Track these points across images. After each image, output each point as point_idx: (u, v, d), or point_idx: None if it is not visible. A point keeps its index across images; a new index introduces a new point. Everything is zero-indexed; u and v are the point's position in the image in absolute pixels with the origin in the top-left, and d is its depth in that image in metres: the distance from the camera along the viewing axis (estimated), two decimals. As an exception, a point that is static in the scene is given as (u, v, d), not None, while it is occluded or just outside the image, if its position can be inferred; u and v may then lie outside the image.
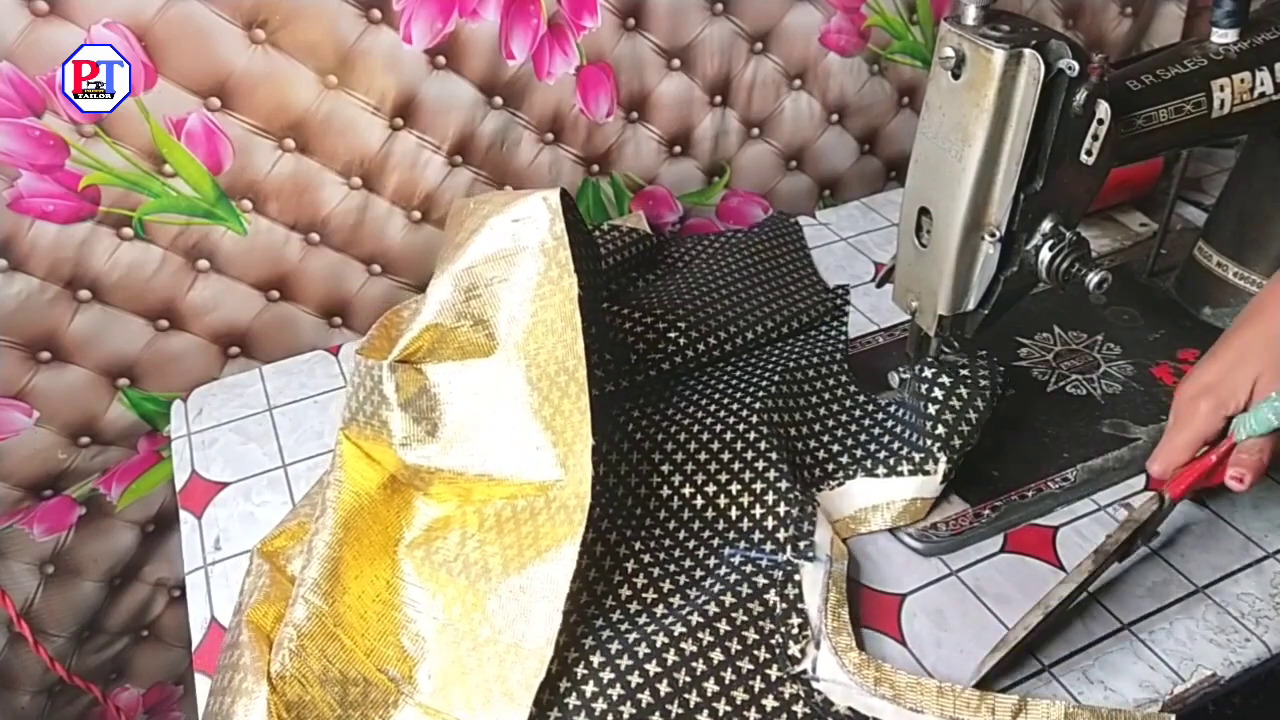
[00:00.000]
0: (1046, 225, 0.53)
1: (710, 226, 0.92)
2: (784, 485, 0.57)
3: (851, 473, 0.60)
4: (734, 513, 0.57)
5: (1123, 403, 0.67)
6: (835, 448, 0.63)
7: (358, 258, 0.77)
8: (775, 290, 0.77)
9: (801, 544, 0.54)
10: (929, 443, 0.58)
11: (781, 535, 0.55)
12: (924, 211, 0.54)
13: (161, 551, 0.83)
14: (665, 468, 0.61)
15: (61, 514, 0.76)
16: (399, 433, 0.55)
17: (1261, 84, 0.57)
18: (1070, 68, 0.47)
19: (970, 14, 0.48)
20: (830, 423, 0.65)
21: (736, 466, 0.59)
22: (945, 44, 0.49)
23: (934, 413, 0.58)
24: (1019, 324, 0.74)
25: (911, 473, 0.58)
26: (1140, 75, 0.56)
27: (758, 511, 0.57)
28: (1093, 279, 0.52)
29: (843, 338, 0.73)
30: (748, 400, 0.63)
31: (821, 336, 0.74)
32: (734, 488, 0.58)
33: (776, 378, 0.66)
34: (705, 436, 0.61)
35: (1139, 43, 1.00)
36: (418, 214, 0.77)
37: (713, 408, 0.64)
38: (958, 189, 0.51)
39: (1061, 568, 0.56)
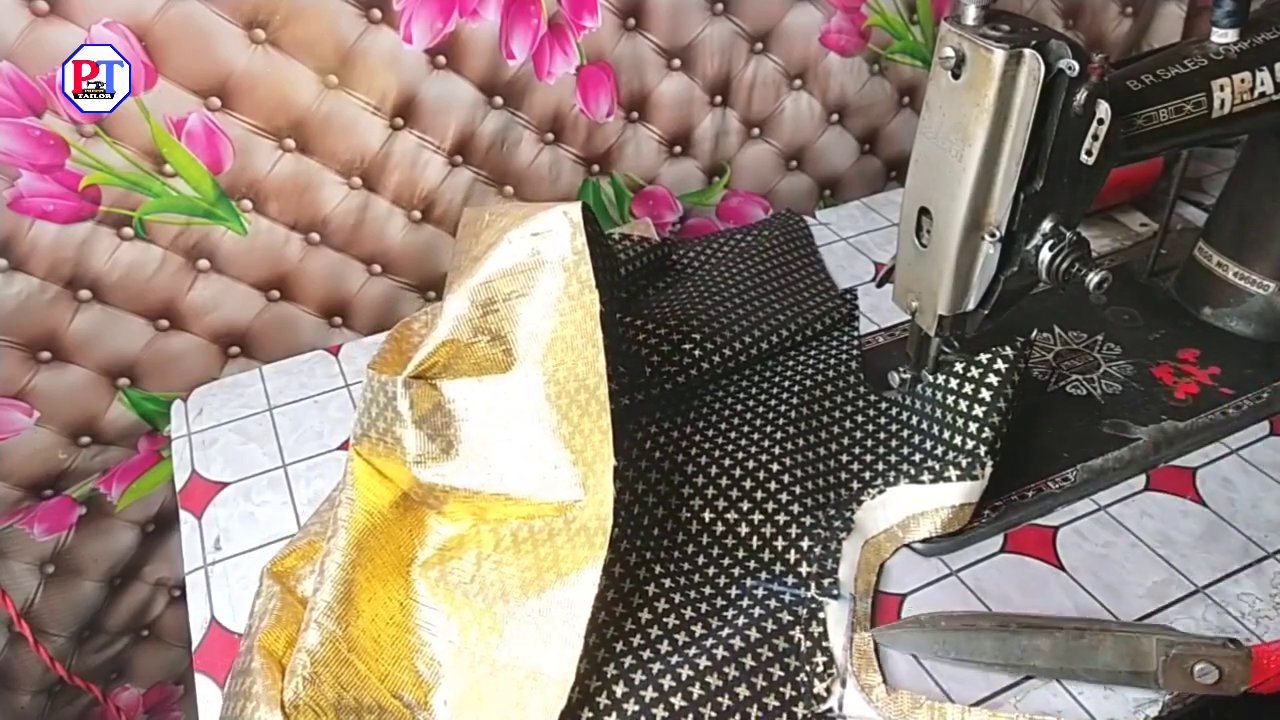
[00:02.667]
0: (1046, 225, 0.53)
1: (710, 226, 0.92)
2: (808, 520, 0.57)
3: (892, 479, 0.59)
4: (755, 542, 0.57)
5: (1123, 403, 0.66)
6: (868, 457, 0.62)
7: (358, 257, 0.77)
8: (788, 296, 0.76)
9: (825, 581, 0.54)
10: (973, 445, 0.58)
11: (804, 570, 0.55)
12: (924, 211, 0.54)
13: (161, 551, 0.83)
14: (685, 490, 0.60)
15: (62, 514, 0.76)
16: (413, 450, 0.54)
17: (1261, 84, 0.57)
18: (1070, 68, 0.47)
19: (970, 14, 0.48)
20: (858, 434, 0.64)
21: (759, 495, 0.59)
22: (945, 44, 0.49)
23: (981, 414, 0.58)
24: (1019, 324, 0.73)
25: (960, 478, 0.57)
26: (1140, 75, 0.55)
27: (780, 544, 0.56)
28: (1093, 279, 0.52)
29: (856, 346, 0.72)
30: (768, 430, 0.63)
31: (834, 344, 0.73)
32: (756, 517, 0.58)
33: (796, 400, 0.65)
34: (727, 462, 0.61)
35: (1139, 43, 1.00)
36: (418, 214, 0.77)
37: (733, 434, 0.63)
38: (958, 189, 0.51)
39: (1061, 568, 0.56)
